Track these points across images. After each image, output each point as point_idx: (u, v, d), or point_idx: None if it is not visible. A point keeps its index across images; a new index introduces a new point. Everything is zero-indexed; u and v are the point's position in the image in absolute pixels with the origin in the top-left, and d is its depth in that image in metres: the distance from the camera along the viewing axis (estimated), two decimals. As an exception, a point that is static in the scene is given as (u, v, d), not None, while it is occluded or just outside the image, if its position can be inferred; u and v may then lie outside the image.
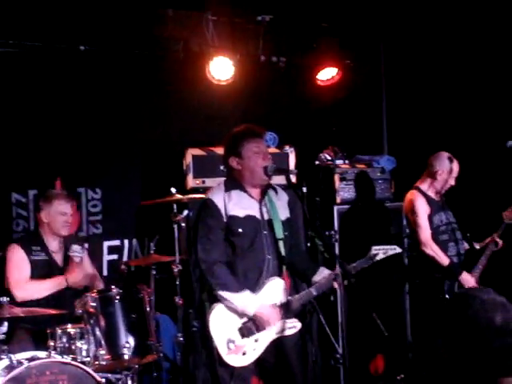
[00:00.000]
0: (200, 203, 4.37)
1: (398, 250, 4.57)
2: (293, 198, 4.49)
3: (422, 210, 5.55)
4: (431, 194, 5.64)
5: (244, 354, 4.11)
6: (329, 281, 4.22)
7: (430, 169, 5.65)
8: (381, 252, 4.46)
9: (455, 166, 5.62)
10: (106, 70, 6.09)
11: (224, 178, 4.41)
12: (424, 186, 5.66)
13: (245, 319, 4.12)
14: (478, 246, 5.77)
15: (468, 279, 5.45)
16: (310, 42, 6.98)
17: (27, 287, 4.87)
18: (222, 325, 4.10)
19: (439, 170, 5.60)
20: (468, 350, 4.89)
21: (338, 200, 6.40)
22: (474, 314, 4.99)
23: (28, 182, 5.76)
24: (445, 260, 5.46)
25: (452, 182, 5.65)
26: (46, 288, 4.91)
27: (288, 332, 4.22)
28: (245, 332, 4.10)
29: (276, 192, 4.36)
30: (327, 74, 6.93)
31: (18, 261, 4.95)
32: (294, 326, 4.24)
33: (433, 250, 5.47)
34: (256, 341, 4.13)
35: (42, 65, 5.75)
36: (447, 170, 5.61)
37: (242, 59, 6.50)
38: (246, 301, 4.06)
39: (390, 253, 4.50)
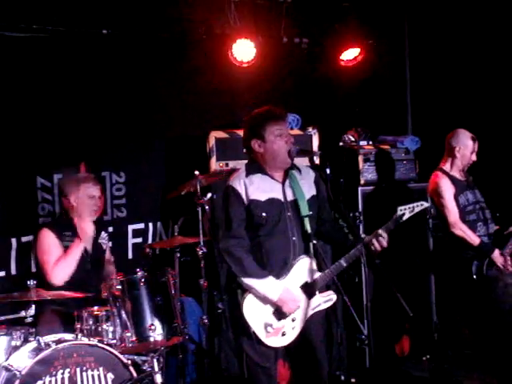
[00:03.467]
0: (223, 190, 4.35)
1: (426, 204, 4.44)
2: (319, 175, 4.44)
3: (448, 190, 5.50)
4: (455, 173, 5.60)
5: (284, 334, 4.11)
6: (358, 250, 4.18)
7: (448, 147, 5.62)
8: (407, 211, 4.34)
9: (473, 141, 5.58)
10: (129, 54, 6.10)
11: (247, 161, 4.39)
12: (447, 166, 5.62)
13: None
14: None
15: (499, 256, 5.41)
16: (332, 23, 6.93)
17: (57, 270, 4.85)
18: (256, 311, 4.08)
19: (457, 147, 5.57)
20: (491, 332, 4.90)
21: (362, 181, 6.38)
22: (496, 297, 4.98)
23: (53, 166, 5.79)
24: (475, 239, 5.42)
25: (473, 157, 5.60)
26: (70, 261, 4.88)
27: (324, 305, 4.21)
28: (280, 315, 4.10)
29: (300, 171, 4.33)
30: (350, 55, 6.89)
31: (50, 245, 4.95)
32: (330, 298, 4.24)
33: (462, 230, 5.43)
34: (293, 320, 4.12)
35: (65, 49, 5.77)
36: (466, 146, 5.57)
37: (264, 41, 6.49)
38: (268, 287, 4.04)
39: (417, 209, 4.38)
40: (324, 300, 4.22)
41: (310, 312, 4.18)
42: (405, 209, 4.34)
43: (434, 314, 6.56)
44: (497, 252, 5.41)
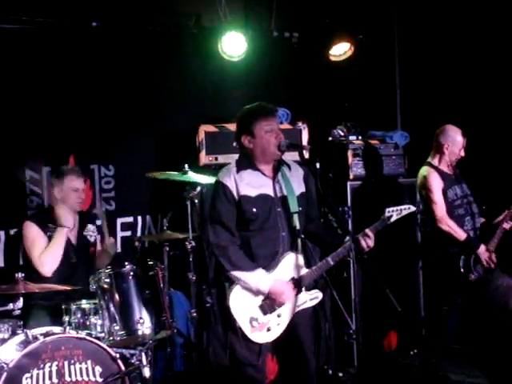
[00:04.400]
0: (213, 185, 4.36)
1: (413, 208, 4.49)
2: (308, 172, 4.48)
3: (437, 185, 5.52)
4: (443, 167, 5.62)
5: (268, 330, 4.12)
6: (345, 249, 4.20)
7: (437, 144, 5.64)
8: (395, 213, 4.37)
9: (461, 137, 5.60)
10: (118, 47, 6.08)
11: (237, 155, 4.39)
12: (435, 161, 5.64)
13: (263, 296, 4.13)
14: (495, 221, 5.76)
15: (484, 252, 5.44)
16: (322, 17, 6.93)
17: (43, 261, 4.87)
18: (242, 304, 4.10)
19: (445, 144, 5.59)
20: (484, 331, 4.92)
21: (351, 176, 6.39)
22: (488, 298, 5.02)
23: (42, 159, 5.77)
24: (462, 234, 5.44)
25: (462, 153, 5.63)
26: (56, 249, 4.91)
27: (310, 303, 4.22)
28: (266, 309, 4.11)
29: (289, 168, 4.35)
30: (340, 50, 6.89)
31: (35, 237, 4.97)
32: (315, 296, 4.25)
33: (449, 225, 5.45)
34: (279, 316, 4.13)
35: (54, 41, 5.75)
36: (454, 142, 5.59)
37: (254, 35, 6.48)
38: (259, 279, 4.06)
39: (405, 212, 4.42)
40: (310, 298, 4.23)
41: (296, 309, 4.19)
42: (392, 211, 4.38)
43: (422, 308, 6.59)
44: (482, 247, 5.44)
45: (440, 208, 5.48)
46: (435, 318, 5.85)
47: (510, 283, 5.54)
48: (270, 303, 4.11)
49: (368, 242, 4.19)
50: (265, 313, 4.10)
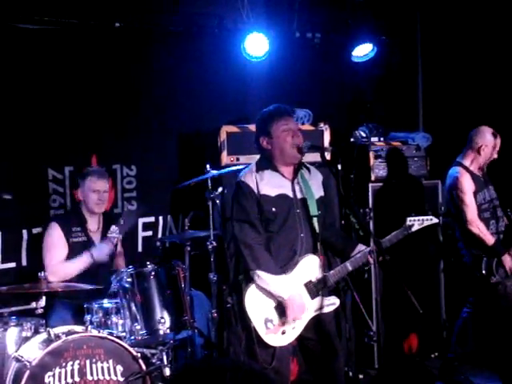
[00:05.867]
0: (234, 186, 4.37)
1: (435, 220, 4.48)
2: (327, 176, 4.49)
3: (469, 187, 5.48)
4: (474, 169, 5.58)
5: (283, 333, 4.11)
6: (364, 255, 4.21)
7: (473, 144, 5.59)
8: (416, 223, 4.38)
9: (498, 139, 5.57)
10: (141, 47, 6.10)
11: (258, 156, 4.41)
12: (467, 162, 5.59)
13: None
14: None
15: (508, 259, 5.41)
16: (345, 18, 6.91)
17: (56, 270, 4.87)
18: (258, 304, 4.10)
19: (483, 145, 5.54)
20: (498, 330, 4.87)
21: (373, 177, 6.37)
22: (500, 300, 4.98)
23: (64, 159, 5.81)
24: (490, 238, 5.41)
25: (495, 155, 5.59)
26: (74, 268, 4.94)
27: (327, 309, 4.22)
28: (282, 311, 4.10)
29: (309, 171, 4.35)
30: (362, 51, 6.86)
31: (55, 243, 5.00)
32: (332, 302, 4.25)
33: (479, 228, 5.42)
34: (294, 320, 4.14)
35: (78, 41, 5.78)
36: (491, 144, 5.55)
37: (276, 36, 6.47)
38: (281, 285, 4.05)
39: (426, 223, 4.42)
40: (327, 304, 4.23)
41: (313, 314, 4.19)
42: (414, 220, 4.38)
43: (443, 311, 6.55)
44: (507, 255, 5.42)
45: (471, 210, 5.45)
46: (457, 320, 5.82)
47: None
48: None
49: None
50: (280, 315, 4.10)
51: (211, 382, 2.02)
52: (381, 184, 6.37)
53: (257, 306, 4.10)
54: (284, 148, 4.19)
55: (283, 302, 4.06)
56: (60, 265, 4.91)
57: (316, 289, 4.19)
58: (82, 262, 4.95)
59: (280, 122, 4.21)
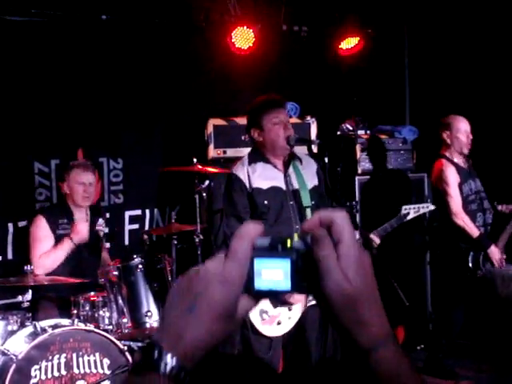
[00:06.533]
0: (225, 178, 4.36)
1: (432, 206, 4.44)
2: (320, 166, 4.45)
3: (453, 179, 5.49)
4: (458, 160, 5.59)
5: (279, 323, 4.12)
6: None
7: (444, 134, 5.61)
8: (412, 211, 4.34)
9: (463, 122, 5.57)
10: (127, 40, 6.08)
11: (245, 149, 4.41)
12: (449, 153, 5.61)
13: None
14: (499, 207, 5.73)
15: (495, 252, 5.43)
16: (331, 11, 6.91)
17: (42, 263, 4.84)
18: None
19: (448, 132, 5.56)
20: (491, 320, 4.90)
21: (360, 170, 6.38)
22: (495, 289, 5.00)
23: (50, 152, 5.79)
24: (475, 231, 5.42)
25: (469, 139, 5.59)
26: (58, 257, 4.89)
27: None
28: (275, 302, 4.09)
29: (301, 161, 4.34)
30: (349, 44, 6.87)
31: (41, 236, 4.96)
32: None
33: (463, 220, 5.43)
34: (290, 309, 4.14)
35: (63, 34, 5.75)
36: (456, 129, 5.56)
37: (263, 28, 6.46)
38: None
39: (423, 211, 4.39)
40: None
41: (309, 303, 4.19)
42: (409, 208, 4.34)
43: (429, 303, 6.58)
44: (493, 247, 5.43)
45: (456, 202, 5.45)
46: (442, 313, 5.85)
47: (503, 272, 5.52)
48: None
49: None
50: (275, 305, 4.10)
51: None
52: (367, 177, 6.39)
53: None
54: (275, 141, 4.18)
55: None
56: (45, 257, 4.88)
57: None
58: (64, 249, 4.89)
59: (271, 114, 4.19)
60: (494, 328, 5.51)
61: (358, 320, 1.13)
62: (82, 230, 4.95)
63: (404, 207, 4.32)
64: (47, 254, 4.90)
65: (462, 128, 5.57)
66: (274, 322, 4.11)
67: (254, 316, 4.08)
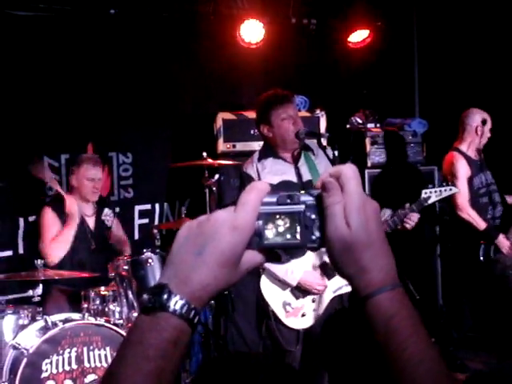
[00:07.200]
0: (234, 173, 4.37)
1: (455, 189, 4.29)
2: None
3: (463, 172, 5.47)
4: (471, 153, 5.56)
5: (303, 315, 4.10)
6: None
7: (464, 126, 5.58)
8: (434, 194, 4.16)
9: (487, 118, 5.55)
10: (135, 34, 6.07)
11: (255, 143, 4.40)
12: (463, 147, 5.58)
13: None
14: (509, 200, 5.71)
15: (504, 242, 5.40)
16: (341, 4, 6.88)
17: (52, 247, 4.86)
18: (274, 289, 4.08)
19: (478, 126, 5.53)
20: (498, 314, 4.86)
21: (369, 164, 6.36)
22: (499, 277, 4.96)
23: (60, 147, 5.80)
24: (481, 224, 5.40)
25: (488, 134, 5.57)
26: (66, 237, 4.89)
27: (345, 289, 4.17)
28: (298, 294, 4.09)
29: (313, 152, 4.32)
30: (358, 37, 6.84)
31: (49, 224, 4.98)
32: None
33: (469, 214, 5.41)
34: (313, 301, 4.11)
35: (72, 28, 5.75)
36: (480, 124, 5.54)
37: (272, 22, 6.44)
38: (287, 270, 4.01)
39: (445, 194, 4.22)
40: (346, 283, 4.19)
41: (332, 295, 4.17)
42: (430, 192, 4.19)
43: (440, 297, 6.56)
44: (501, 237, 5.41)
45: (462, 196, 5.43)
46: (453, 306, 5.83)
47: None
48: (300, 289, 4.08)
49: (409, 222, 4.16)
50: (297, 297, 4.08)
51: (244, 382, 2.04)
52: (377, 170, 6.37)
53: (273, 290, 4.08)
54: (285, 136, 4.16)
55: (298, 285, 4.04)
56: (54, 241, 4.89)
57: (331, 269, 4.15)
58: (70, 228, 4.89)
59: (279, 109, 4.16)
60: (506, 321, 5.50)
61: (356, 265, 1.16)
62: (71, 205, 4.93)
63: (424, 191, 4.12)
64: (56, 238, 4.90)
65: (476, 121, 5.55)
66: (298, 314, 4.09)
67: (278, 308, 4.07)
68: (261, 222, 1.16)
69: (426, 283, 6.34)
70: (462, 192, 5.43)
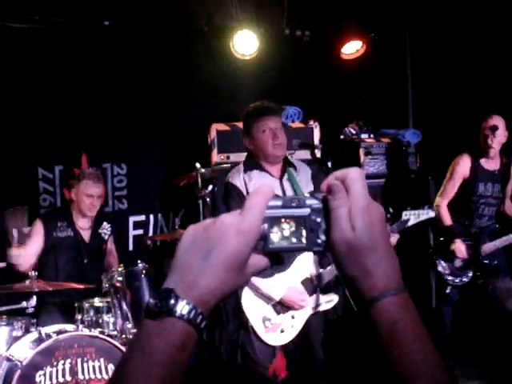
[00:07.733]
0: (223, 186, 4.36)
1: (431, 213, 4.42)
2: (315, 171, 4.45)
3: (460, 173, 5.50)
4: (483, 160, 5.56)
5: (282, 331, 4.08)
6: None
7: (485, 134, 5.56)
8: (412, 217, 4.32)
9: (487, 120, 5.55)
10: (129, 45, 6.10)
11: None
12: (476, 151, 5.57)
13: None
14: None
15: (460, 248, 5.43)
16: (334, 16, 6.91)
17: (21, 259, 4.88)
18: (255, 303, 4.07)
19: (483, 132, 5.54)
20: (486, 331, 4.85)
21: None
22: (488, 300, 5.00)
23: (54, 158, 5.80)
24: (448, 220, 5.45)
25: (486, 136, 5.54)
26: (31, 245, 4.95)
27: (325, 306, 4.19)
28: (279, 309, 4.08)
29: (295, 168, 4.31)
30: (352, 48, 6.86)
31: (33, 236, 5.02)
32: (331, 299, 4.22)
33: (439, 211, 5.44)
34: (293, 317, 4.10)
35: (66, 40, 5.78)
36: (482, 127, 5.54)
37: (266, 33, 6.47)
38: (271, 285, 4.01)
39: (423, 217, 4.36)
40: (326, 300, 4.19)
41: (311, 311, 4.17)
42: (411, 214, 4.32)
43: (434, 299, 6.56)
44: (459, 240, 5.45)
45: (447, 193, 5.48)
46: (435, 308, 5.89)
47: (509, 287, 5.50)
48: (282, 305, 4.09)
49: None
50: (278, 313, 4.08)
51: None
52: (372, 181, 6.38)
53: (254, 305, 4.07)
54: (264, 149, 4.12)
55: (277, 301, 4.05)
56: (17, 247, 4.93)
57: (313, 286, 4.16)
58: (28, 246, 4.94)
59: (260, 122, 4.11)
60: (486, 334, 5.51)
61: (361, 269, 1.15)
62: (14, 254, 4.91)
63: (404, 213, 4.29)
64: (22, 246, 4.96)
65: (484, 126, 5.55)
66: (277, 329, 4.08)
67: (257, 324, 4.06)
68: (266, 226, 1.16)
69: (419, 286, 6.34)
70: (448, 189, 5.47)
